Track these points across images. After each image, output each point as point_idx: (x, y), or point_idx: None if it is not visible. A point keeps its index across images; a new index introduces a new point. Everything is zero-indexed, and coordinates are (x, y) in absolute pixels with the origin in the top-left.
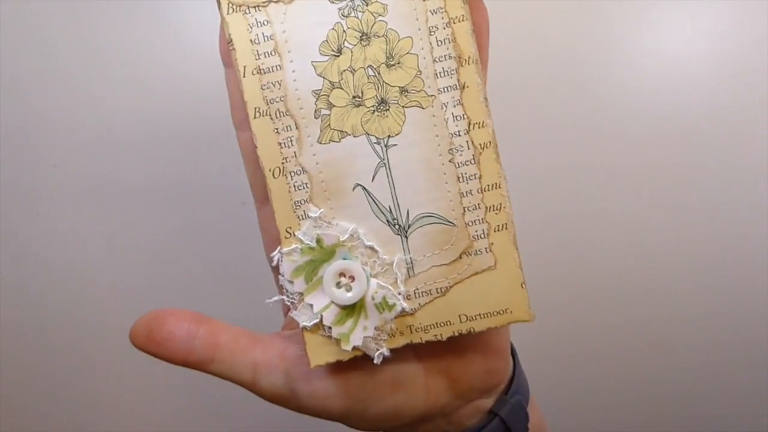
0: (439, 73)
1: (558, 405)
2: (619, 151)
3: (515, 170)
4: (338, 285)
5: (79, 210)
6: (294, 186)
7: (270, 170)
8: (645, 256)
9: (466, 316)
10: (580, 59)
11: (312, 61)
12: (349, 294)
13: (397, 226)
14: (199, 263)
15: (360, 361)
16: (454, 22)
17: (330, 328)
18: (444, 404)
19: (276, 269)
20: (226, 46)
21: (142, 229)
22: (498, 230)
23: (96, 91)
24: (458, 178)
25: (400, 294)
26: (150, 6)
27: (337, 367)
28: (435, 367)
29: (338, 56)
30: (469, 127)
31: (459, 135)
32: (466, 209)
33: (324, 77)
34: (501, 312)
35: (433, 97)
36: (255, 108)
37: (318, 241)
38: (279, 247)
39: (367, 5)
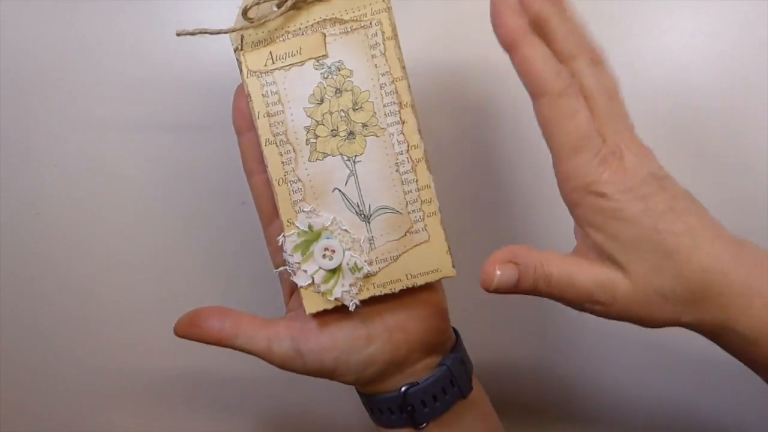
0: (387, 113)
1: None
2: None
3: (516, 170)
4: (324, 256)
5: (79, 210)
6: (292, 190)
7: (276, 180)
8: None
9: (410, 275)
10: None
11: (303, 107)
12: (331, 262)
13: (362, 216)
14: (199, 263)
15: (343, 320)
16: (396, 81)
17: (319, 285)
18: (404, 354)
19: (275, 252)
20: (239, 116)
21: (142, 229)
22: (429, 216)
23: (96, 91)
24: (402, 182)
25: (365, 261)
26: (150, 6)
27: (327, 325)
28: (396, 326)
29: (321, 104)
30: (408, 148)
31: (401, 154)
32: (408, 202)
33: (312, 117)
34: (433, 271)
35: (384, 129)
36: (266, 139)
37: (309, 227)
38: (282, 233)
39: (339, 71)
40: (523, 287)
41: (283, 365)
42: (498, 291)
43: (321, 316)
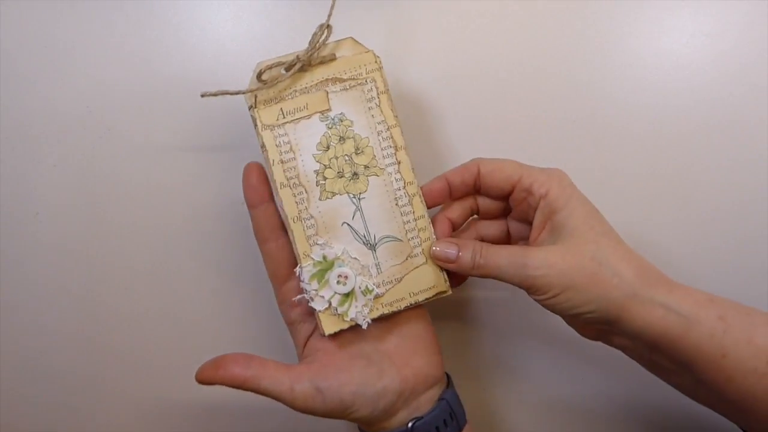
0: (385, 155)
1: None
2: (618, 151)
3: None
4: (338, 282)
5: (79, 210)
6: (306, 226)
7: (291, 218)
8: (644, 256)
9: (412, 293)
10: (579, 59)
11: (312, 154)
12: (345, 287)
13: (369, 245)
14: (199, 263)
15: (356, 359)
16: (391, 128)
17: (336, 308)
18: (412, 386)
19: (288, 311)
20: (251, 191)
21: (142, 230)
22: (425, 241)
23: (96, 91)
24: (401, 213)
25: (374, 284)
26: (150, 6)
27: (343, 363)
28: (403, 362)
29: (327, 150)
30: (404, 184)
31: (399, 189)
32: (407, 231)
33: (320, 162)
34: (431, 288)
35: (383, 169)
36: (280, 182)
37: (324, 257)
38: (299, 265)
39: (341, 122)
40: (462, 263)
41: (304, 405)
42: (436, 258)
43: (337, 354)
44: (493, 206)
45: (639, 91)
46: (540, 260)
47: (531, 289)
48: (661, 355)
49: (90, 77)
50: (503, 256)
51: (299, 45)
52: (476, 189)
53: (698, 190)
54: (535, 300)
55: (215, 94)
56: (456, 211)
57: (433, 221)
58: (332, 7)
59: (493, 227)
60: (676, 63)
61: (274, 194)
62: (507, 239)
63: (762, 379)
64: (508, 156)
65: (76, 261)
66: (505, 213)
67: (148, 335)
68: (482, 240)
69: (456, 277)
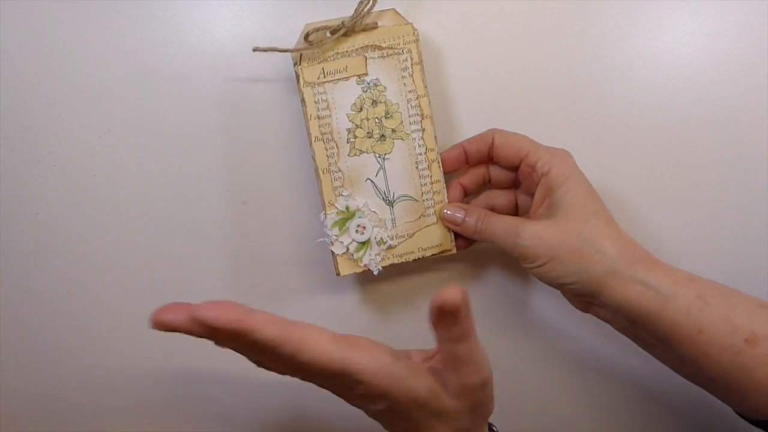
0: (412, 122)
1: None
2: (618, 151)
3: None
4: (357, 231)
5: (79, 210)
6: (334, 178)
7: (321, 170)
8: None
9: (421, 248)
10: (579, 59)
11: (346, 114)
12: (362, 236)
13: (387, 201)
14: (199, 263)
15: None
16: (420, 97)
17: (352, 254)
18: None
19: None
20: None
21: (142, 229)
22: (438, 203)
23: (96, 91)
24: (420, 176)
25: (388, 236)
26: (150, 6)
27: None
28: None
29: (360, 111)
30: (426, 150)
31: (421, 155)
32: (423, 193)
33: (352, 122)
34: (438, 246)
35: (409, 135)
36: (315, 136)
37: (347, 207)
38: (324, 211)
39: (376, 87)
40: (468, 227)
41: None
42: (445, 219)
43: None
44: (504, 177)
45: (639, 90)
46: (530, 232)
47: (521, 257)
48: (642, 330)
49: (90, 77)
50: (500, 225)
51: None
52: (490, 158)
53: (698, 190)
54: (525, 267)
55: (266, 50)
56: (469, 178)
57: (448, 186)
58: None
59: (503, 197)
60: (676, 63)
61: (309, 146)
62: (515, 210)
63: (738, 356)
64: None
65: (76, 261)
66: (515, 185)
67: (148, 335)
68: (492, 208)
69: (463, 240)
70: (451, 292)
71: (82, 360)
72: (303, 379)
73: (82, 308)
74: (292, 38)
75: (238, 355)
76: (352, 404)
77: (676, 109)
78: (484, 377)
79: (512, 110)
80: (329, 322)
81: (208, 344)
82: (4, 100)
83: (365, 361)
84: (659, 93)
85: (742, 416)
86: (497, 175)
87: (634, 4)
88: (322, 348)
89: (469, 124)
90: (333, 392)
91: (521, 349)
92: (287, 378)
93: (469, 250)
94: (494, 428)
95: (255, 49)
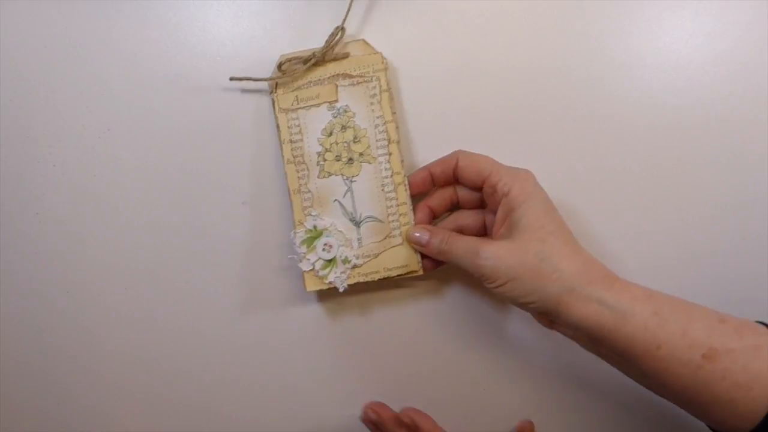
0: (379, 147)
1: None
2: (618, 150)
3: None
4: (323, 249)
5: (79, 210)
6: (304, 199)
7: (292, 190)
8: (644, 257)
9: (386, 268)
10: (580, 59)
11: (317, 138)
12: (329, 254)
13: (354, 222)
14: (199, 263)
15: None
16: (387, 123)
17: (318, 271)
18: None
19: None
20: None
21: (142, 230)
22: (404, 225)
23: (96, 91)
24: (386, 198)
25: (354, 256)
26: (150, 6)
27: None
28: None
29: (330, 136)
30: (392, 174)
31: (387, 178)
32: (389, 214)
33: (322, 146)
34: (404, 266)
35: (376, 158)
36: (287, 159)
37: (315, 227)
38: (294, 230)
39: (345, 113)
40: (432, 247)
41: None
42: (410, 240)
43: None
44: (471, 197)
45: (639, 90)
46: (489, 252)
47: (481, 277)
48: (602, 347)
49: (90, 77)
50: (461, 246)
51: (298, 45)
52: (456, 179)
53: (697, 189)
54: (487, 287)
55: (241, 79)
56: (436, 200)
57: (415, 208)
58: (348, 11)
59: (471, 218)
60: (676, 63)
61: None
62: (483, 230)
63: (698, 370)
64: (507, 155)
65: (76, 261)
66: (482, 205)
67: (148, 335)
68: (461, 229)
69: (431, 261)
70: None
71: (82, 360)
72: None
73: (82, 308)
74: (291, 38)
75: (239, 356)
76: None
77: (675, 109)
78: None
79: (512, 110)
80: (301, 327)
81: (208, 346)
82: (4, 100)
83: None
84: (659, 93)
85: (711, 429)
86: (464, 196)
87: (634, 4)
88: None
89: (467, 124)
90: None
91: (490, 364)
92: (287, 380)
93: (435, 269)
94: None
95: (231, 78)
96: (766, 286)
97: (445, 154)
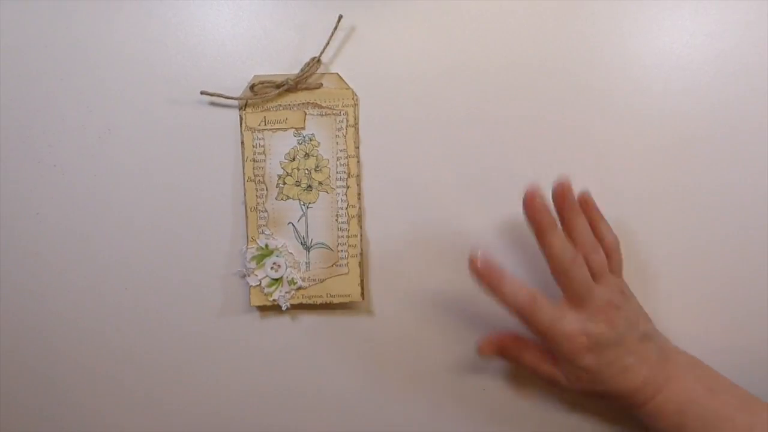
0: (338, 179)
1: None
2: (618, 151)
3: (514, 169)
4: (271, 268)
5: (79, 210)
6: (260, 217)
7: (250, 207)
8: (645, 258)
9: (330, 294)
10: (579, 59)
11: (279, 161)
12: (276, 273)
13: (305, 246)
14: (199, 263)
15: None
16: (349, 157)
17: (264, 288)
18: None
19: None
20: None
21: (142, 229)
22: (352, 256)
23: (96, 91)
24: (338, 228)
25: (300, 278)
26: (150, 6)
27: None
28: None
29: (293, 161)
30: (347, 206)
31: (342, 209)
32: (339, 243)
33: (284, 169)
34: (346, 295)
35: (334, 189)
36: (248, 176)
37: (266, 245)
38: (246, 245)
39: (310, 141)
40: (504, 356)
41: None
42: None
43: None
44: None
45: (639, 90)
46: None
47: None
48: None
49: (90, 77)
50: (534, 369)
51: (298, 45)
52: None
53: (698, 190)
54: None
55: (212, 95)
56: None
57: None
58: (326, 45)
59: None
60: (676, 63)
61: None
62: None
63: None
64: (506, 155)
65: (77, 261)
66: None
67: (148, 334)
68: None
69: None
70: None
71: (82, 360)
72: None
73: (82, 308)
74: (291, 39)
75: (239, 357)
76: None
77: (675, 109)
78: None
79: (511, 110)
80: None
81: (208, 345)
82: (4, 100)
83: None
84: (659, 93)
85: None
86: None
87: (634, 4)
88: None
89: (467, 124)
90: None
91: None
92: (288, 381)
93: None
94: None
95: (202, 93)
96: (766, 286)
97: (439, 157)
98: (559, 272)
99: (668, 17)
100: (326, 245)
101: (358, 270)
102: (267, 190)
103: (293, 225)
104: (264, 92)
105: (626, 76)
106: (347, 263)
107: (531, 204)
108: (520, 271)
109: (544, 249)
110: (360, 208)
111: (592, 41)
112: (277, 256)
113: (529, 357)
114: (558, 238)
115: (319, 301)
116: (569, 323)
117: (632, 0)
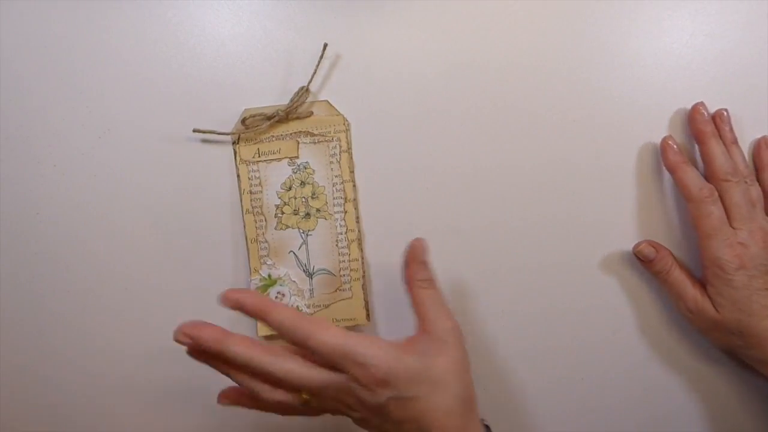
0: (335, 204)
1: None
2: (618, 151)
3: (513, 169)
4: (276, 297)
5: (79, 210)
6: (261, 248)
7: (250, 239)
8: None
9: (335, 318)
10: (579, 59)
11: (276, 191)
12: (281, 302)
13: (307, 273)
14: (199, 263)
15: None
16: (345, 182)
17: None
18: None
19: None
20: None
21: (142, 229)
22: (355, 280)
23: (96, 91)
24: (339, 253)
25: (305, 305)
26: (150, 6)
27: None
28: None
29: (289, 190)
30: (346, 231)
31: (341, 234)
32: (341, 269)
33: (281, 199)
34: (351, 319)
35: (332, 215)
36: (246, 209)
37: (269, 275)
38: (250, 277)
39: (305, 169)
40: (655, 266)
41: None
42: (638, 255)
43: None
44: None
45: (639, 91)
46: (698, 312)
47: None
48: None
49: (90, 77)
50: (681, 287)
51: (298, 45)
52: None
53: None
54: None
55: (204, 132)
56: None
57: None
58: (313, 74)
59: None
60: (676, 63)
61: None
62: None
63: None
64: (505, 156)
65: (77, 260)
66: None
67: (148, 334)
68: None
69: None
70: (417, 242)
71: (82, 360)
72: (307, 406)
73: (83, 308)
74: (292, 38)
75: None
76: (352, 411)
77: (675, 110)
78: (454, 322)
79: (511, 110)
80: None
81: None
82: (4, 100)
83: (367, 343)
84: (659, 93)
85: None
86: None
87: (634, 4)
88: (329, 333)
89: (467, 124)
90: (333, 401)
91: None
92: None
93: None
94: (485, 422)
95: (195, 131)
96: None
97: (439, 158)
98: (720, 182)
99: (668, 17)
100: (328, 271)
101: (361, 293)
102: (266, 220)
103: (294, 253)
104: (255, 125)
105: (626, 76)
106: (350, 287)
107: (697, 114)
108: (519, 279)
109: (705, 158)
110: (359, 231)
111: (592, 41)
112: (281, 285)
113: (678, 275)
114: (720, 147)
115: None
116: (728, 236)
117: (632, 0)
